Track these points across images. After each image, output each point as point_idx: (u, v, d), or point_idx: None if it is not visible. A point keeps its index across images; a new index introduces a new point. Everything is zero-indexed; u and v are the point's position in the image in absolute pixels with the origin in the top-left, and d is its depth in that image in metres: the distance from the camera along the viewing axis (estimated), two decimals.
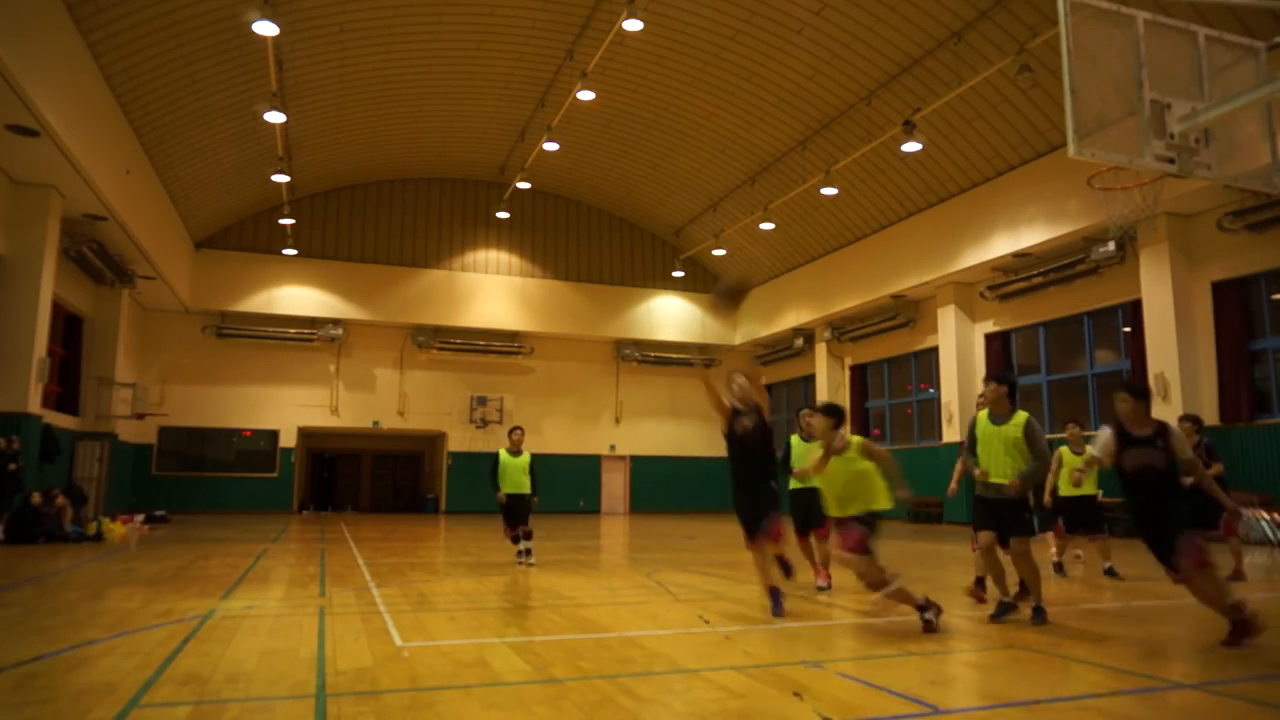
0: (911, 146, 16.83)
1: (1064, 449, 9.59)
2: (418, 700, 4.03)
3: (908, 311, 22.22)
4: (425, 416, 26.06)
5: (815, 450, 8.12)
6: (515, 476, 10.52)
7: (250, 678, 4.42)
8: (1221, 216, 14.63)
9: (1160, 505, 5.48)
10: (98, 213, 15.90)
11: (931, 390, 21.88)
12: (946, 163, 19.04)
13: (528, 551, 10.47)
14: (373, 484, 30.31)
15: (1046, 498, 9.69)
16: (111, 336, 19.70)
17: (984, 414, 6.46)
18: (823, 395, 25.27)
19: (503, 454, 10.66)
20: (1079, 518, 9.47)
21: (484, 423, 26.16)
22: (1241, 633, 5.20)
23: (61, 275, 16.18)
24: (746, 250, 26.41)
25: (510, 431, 10.85)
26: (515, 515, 10.55)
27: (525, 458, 10.64)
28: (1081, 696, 4.11)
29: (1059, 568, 9.62)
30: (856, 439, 6.12)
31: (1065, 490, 9.24)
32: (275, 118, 16.58)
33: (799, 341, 26.29)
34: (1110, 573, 9.22)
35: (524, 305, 26.64)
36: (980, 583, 7.46)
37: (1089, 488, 9.39)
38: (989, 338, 20.14)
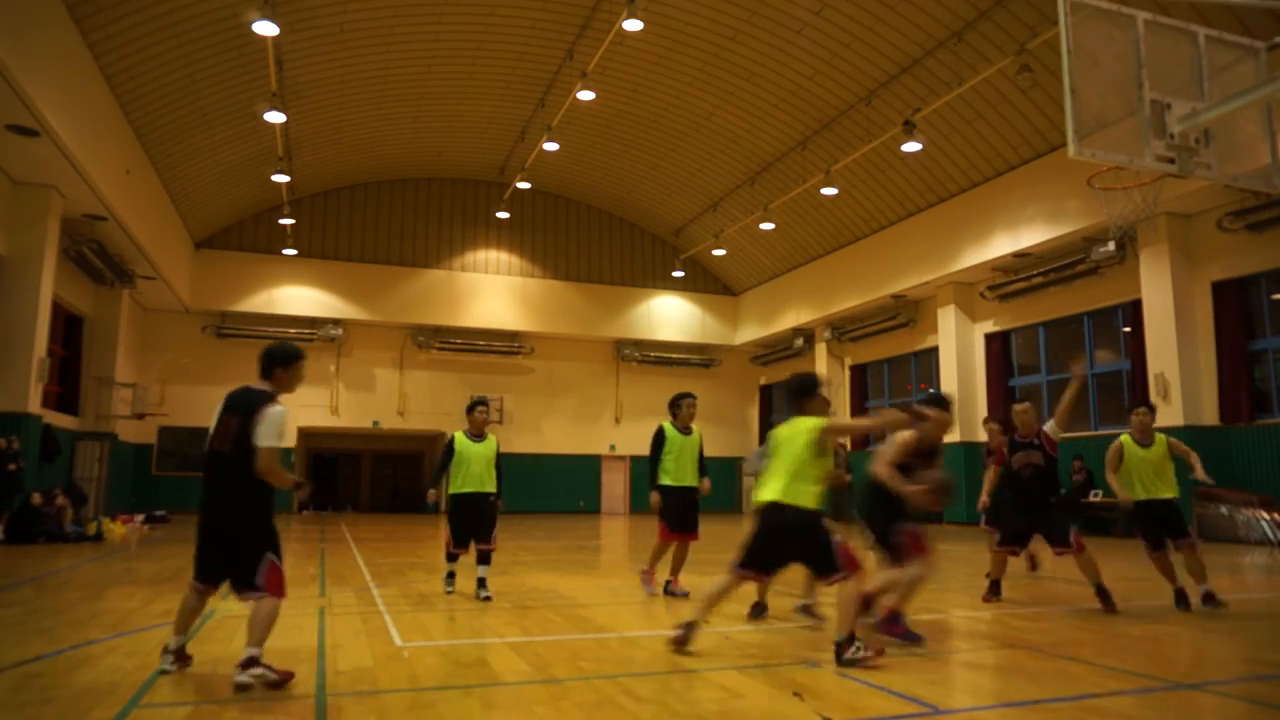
0: (911, 146, 16.81)
1: (1125, 437, 7.25)
2: (418, 700, 4.04)
3: (908, 311, 22.21)
4: (425, 416, 26.03)
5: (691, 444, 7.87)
6: (476, 469, 7.57)
7: None
8: (1221, 216, 14.62)
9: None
10: (98, 213, 15.90)
11: (931, 390, 21.87)
12: (946, 163, 19.03)
13: (482, 582, 7.41)
14: (373, 484, 30.32)
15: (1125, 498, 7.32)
16: (111, 336, 19.70)
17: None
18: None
19: (459, 438, 7.71)
20: (1163, 525, 7.11)
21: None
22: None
23: (61, 275, 16.17)
24: (746, 250, 26.41)
25: (470, 409, 7.89)
26: (471, 526, 7.57)
27: (491, 444, 7.76)
28: (1081, 696, 4.11)
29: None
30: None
31: (1140, 493, 7.17)
32: (275, 118, 16.56)
33: (799, 341, 26.28)
34: (1210, 599, 6.87)
35: (524, 305, 26.63)
36: (995, 585, 7.56)
37: (1169, 490, 7.10)
38: (989, 338, 20.13)
